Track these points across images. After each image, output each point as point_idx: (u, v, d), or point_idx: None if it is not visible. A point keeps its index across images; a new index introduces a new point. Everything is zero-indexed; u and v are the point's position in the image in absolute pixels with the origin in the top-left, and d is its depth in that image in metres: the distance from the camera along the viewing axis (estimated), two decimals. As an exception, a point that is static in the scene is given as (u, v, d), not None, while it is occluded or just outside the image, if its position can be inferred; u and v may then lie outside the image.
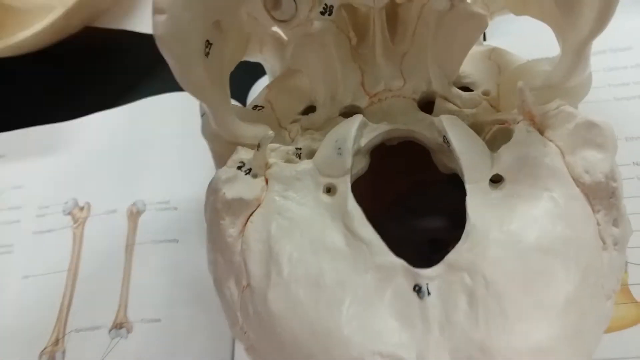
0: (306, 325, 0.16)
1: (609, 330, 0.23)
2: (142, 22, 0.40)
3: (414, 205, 0.25)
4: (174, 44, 0.16)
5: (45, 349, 0.29)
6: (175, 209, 0.31)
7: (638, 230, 0.24)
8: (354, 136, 0.18)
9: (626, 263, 0.24)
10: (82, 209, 0.32)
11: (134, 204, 0.32)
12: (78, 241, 0.31)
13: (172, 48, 0.16)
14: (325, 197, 0.18)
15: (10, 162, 0.36)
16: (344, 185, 0.18)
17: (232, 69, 0.21)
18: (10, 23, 0.39)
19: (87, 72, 0.39)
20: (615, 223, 0.18)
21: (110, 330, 0.28)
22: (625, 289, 0.23)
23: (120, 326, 0.28)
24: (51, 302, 0.30)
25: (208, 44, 0.17)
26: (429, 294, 0.16)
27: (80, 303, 0.30)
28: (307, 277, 0.17)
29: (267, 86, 0.23)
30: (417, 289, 0.16)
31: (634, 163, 0.26)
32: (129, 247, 0.30)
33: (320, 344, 0.16)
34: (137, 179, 0.32)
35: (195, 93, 0.17)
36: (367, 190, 0.24)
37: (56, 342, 0.29)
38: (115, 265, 0.30)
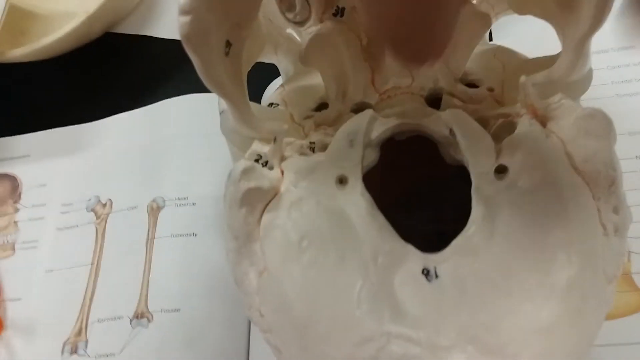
0: (320, 307, 0.17)
1: (612, 317, 0.24)
2: (160, 28, 0.41)
3: (422, 199, 0.26)
4: (198, 43, 0.17)
5: (68, 339, 0.30)
6: (194, 204, 0.32)
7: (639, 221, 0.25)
8: (365, 129, 0.19)
9: (629, 253, 0.25)
10: (104, 205, 0.34)
11: (154, 200, 0.33)
12: (100, 236, 0.33)
13: (195, 47, 0.17)
14: (338, 187, 0.19)
15: (35, 162, 0.37)
16: (356, 176, 0.19)
17: (249, 68, 0.22)
18: (35, 29, 0.40)
19: (108, 76, 0.41)
20: (615, 210, 0.19)
21: (131, 320, 0.29)
22: (628, 277, 0.24)
23: (141, 316, 0.29)
24: (74, 294, 0.31)
25: (228, 44, 0.18)
26: (436, 277, 0.17)
27: (103, 295, 0.31)
28: (322, 262, 0.17)
29: (282, 85, 0.24)
30: (426, 273, 0.17)
31: (636, 157, 0.27)
32: (150, 241, 0.31)
33: (333, 326, 0.17)
34: (157, 176, 0.34)
35: (216, 89, 0.18)
36: (376, 183, 0.24)
37: (79, 332, 0.30)
38: (136, 258, 0.31)
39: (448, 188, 0.23)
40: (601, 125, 0.18)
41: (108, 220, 0.33)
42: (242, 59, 0.20)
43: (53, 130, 0.38)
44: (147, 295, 0.30)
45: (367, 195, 0.18)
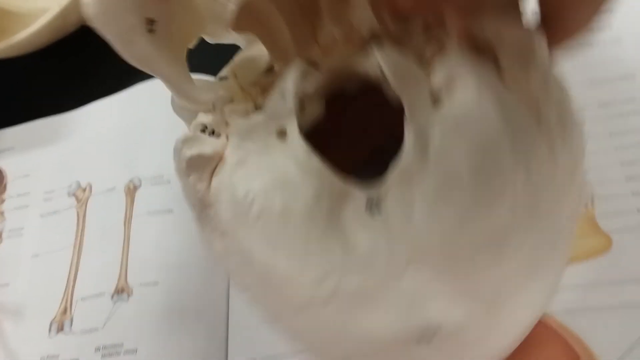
0: (274, 255, 0.18)
1: (577, 259, 0.24)
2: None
3: (391, 156, 0.26)
4: (108, 23, 0.17)
5: (54, 318, 0.31)
6: (169, 182, 0.33)
7: (602, 166, 0.25)
8: (294, 78, 0.19)
9: (592, 196, 0.25)
10: (84, 189, 0.35)
11: (130, 181, 0.34)
12: (81, 219, 0.33)
13: (106, 27, 0.17)
14: (278, 141, 0.19)
15: (19, 154, 0.38)
16: (292, 127, 0.19)
17: (189, 44, 0.22)
18: (11, 27, 0.41)
19: (84, 67, 0.41)
20: (561, 120, 0.18)
21: (112, 296, 0.30)
22: (592, 221, 0.24)
23: (121, 291, 0.30)
24: (59, 276, 0.32)
25: (150, 21, 0.18)
26: (379, 207, 0.17)
27: (85, 274, 0.32)
28: (268, 212, 0.18)
29: (232, 59, 0.24)
30: (370, 204, 0.17)
31: (598, 105, 0.27)
32: (128, 220, 0.32)
33: (289, 270, 0.17)
34: (133, 157, 0.34)
35: (141, 66, 0.18)
36: (344, 145, 0.25)
37: (64, 311, 0.31)
38: (115, 237, 0.32)
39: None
40: (531, 41, 0.18)
41: (88, 204, 0.34)
42: (171, 34, 0.20)
43: (34, 122, 0.39)
44: (126, 271, 0.31)
45: (303, 143, 0.18)
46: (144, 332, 0.29)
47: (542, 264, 0.18)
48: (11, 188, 0.37)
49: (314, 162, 0.18)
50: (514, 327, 0.19)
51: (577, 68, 0.28)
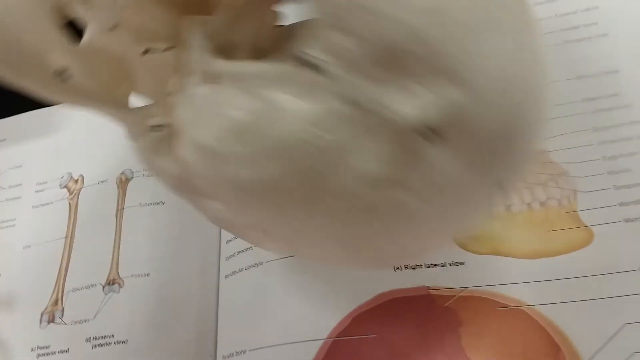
0: (282, 159, 0.16)
1: (560, 253, 0.24)
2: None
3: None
4: (16, 78, 0.17)
5: (46, 309, 0.31)
6: (161, 174, 0.33)
7: (585, 161, 0.26)
8: (196, 26, 0.18)
9: (574, 191, 0.25)
10: (76, 181, 0.35)
11: (122, 173, 0.34)
12: (73, 211, 0.34)
13: (16, 81, 0.17)
14: (213, 84, 0.17)
15: (11, 145, 0.38)
16: (217, 63, 0.17)
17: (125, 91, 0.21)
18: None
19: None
20: None
21: (104, 287, 0.30)
22: (574, 215, 0.25)
23: (112, 282, 0.30)
24: (50, 267, 0.32)
25: (62, 70, 0.18)
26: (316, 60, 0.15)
27: (77, 265, 0.32)
28: (251, 130, 0.16)
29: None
30: (305, 63, 0.15)
31: (582, 99, 0.27)
32: (119, 212, 0.32)
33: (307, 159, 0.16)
34: (125, 149, 0.34)
35: (72, 106, 0.19)
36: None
37: (55, 302, 0.31)
38: (107, 228, 0.32)
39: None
40: None
41: (80, 195, 0.34)
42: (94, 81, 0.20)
43: (26, 113, 0.39)
44: (117, 263, 0.31)
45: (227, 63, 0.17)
46: (135, 323, 0.29)
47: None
48: (3, 179, 0.37)
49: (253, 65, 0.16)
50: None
51: (562, 63, 0.29)
